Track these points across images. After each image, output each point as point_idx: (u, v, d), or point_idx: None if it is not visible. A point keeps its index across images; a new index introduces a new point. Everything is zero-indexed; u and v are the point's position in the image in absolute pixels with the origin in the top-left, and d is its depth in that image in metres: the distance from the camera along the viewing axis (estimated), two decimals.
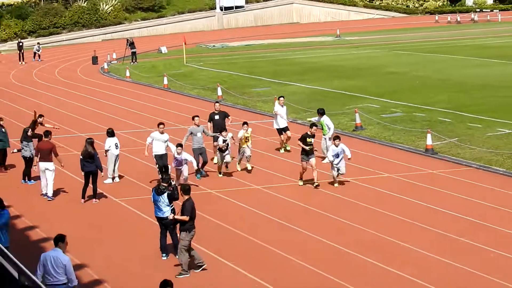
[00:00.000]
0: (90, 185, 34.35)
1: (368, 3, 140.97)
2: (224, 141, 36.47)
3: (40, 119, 40.58)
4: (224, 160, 36.84)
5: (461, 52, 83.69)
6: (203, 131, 37.15)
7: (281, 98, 42.70)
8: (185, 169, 34.51)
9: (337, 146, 34.50)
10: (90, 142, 34.26)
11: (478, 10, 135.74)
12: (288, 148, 42.14)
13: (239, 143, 37.64)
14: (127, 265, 27.26)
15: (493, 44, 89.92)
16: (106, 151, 36.54)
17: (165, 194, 26.35)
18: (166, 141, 36.27)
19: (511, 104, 52.90)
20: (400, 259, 26.86)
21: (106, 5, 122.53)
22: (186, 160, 34.44)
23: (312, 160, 34.92)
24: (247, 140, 37.41)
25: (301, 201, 33.39)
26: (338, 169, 34.63)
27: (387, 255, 27.01)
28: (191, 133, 37.00)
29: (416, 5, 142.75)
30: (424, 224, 30.03)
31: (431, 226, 29.84)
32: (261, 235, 29.24)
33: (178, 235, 26.05)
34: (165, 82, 69.33)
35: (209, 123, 40.10)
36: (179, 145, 34.64)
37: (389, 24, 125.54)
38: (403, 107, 53.91)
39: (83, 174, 34.35)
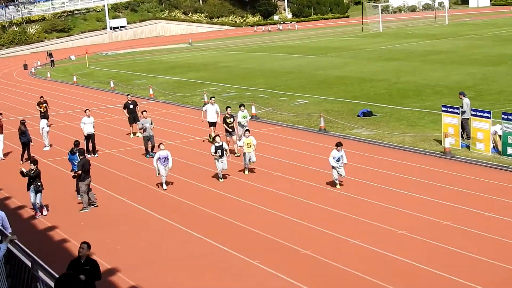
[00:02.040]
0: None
1: (209, 20, 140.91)
2: (218, 147, 28.25)
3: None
4: (222, 167, 28.58)
5: (272, 50, 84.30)
6: (151, 122, 33.64)
7: (212, 99, 36.91)
8: (167, 166, 27.80)
9: (338, 152, 26.44)
10: (22, 122, 34.35)
11: (282, 22, 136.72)
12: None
13: (243, 149, 29.29)
14: (56, 201, 27.21)
15: (292, 44, 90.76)
16: (42, 128, 36.37)
17: (77, 154, 26.57)
18: (92, 122, 34.94)
19: (303, 84, 53.77)
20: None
21: (31, 29, 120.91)
22: (169, 156, 27.83)
23: (234, 137, 32.94)
24: (249, 146, 28.88)
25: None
26: (338, 172, 26.59)
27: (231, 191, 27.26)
28: (142, 124, 33.75)
29: (241, 20, 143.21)
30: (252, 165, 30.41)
31: (259, 167, 30.22)
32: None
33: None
34: (75, 79, 68.24)
35: (124, 110, 38.82)
36: (161, 144, 28.73)
37: (224, 34, 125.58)
38: (235, 89, 54.08)
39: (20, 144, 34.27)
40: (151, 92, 54.34)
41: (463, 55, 64.05)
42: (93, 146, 34.67)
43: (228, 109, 33.82)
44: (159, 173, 27.69)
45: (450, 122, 31.48)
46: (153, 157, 30.35)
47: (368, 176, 27.72)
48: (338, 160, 26.39)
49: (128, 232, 23.42)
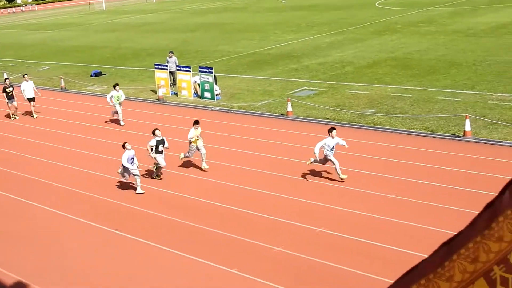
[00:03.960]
0: None
1: None
2: (159, 141, 19.07)
3: None
4: (159, 164, 19.32)
5: (18, 28, 78.73)
6: None
7: (26, 76, 29.89)
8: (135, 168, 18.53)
9: (333, 138, 17.74)
10: None
11: (24, 5, 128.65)
12: (35, 116, 29.28)
13: (190, 142, 19.82)
14: None
15: (34, 22, 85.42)
16: None
17: None
18: None
19: (46, 53, 51.02)
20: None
21: None
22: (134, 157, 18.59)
23: (15, 103, 28.60)
24: (198, 138, 19.78)
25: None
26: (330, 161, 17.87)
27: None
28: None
29: None
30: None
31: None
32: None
33: None
34: None
35: None
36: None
37: None
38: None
39: None
40: None
41: (168, 25, 64.19)
42: None
43: (7, 80, 29.72)
44: (124, 176, 18.75)
45: (161, 76, 31.57)
46: None
47: (101, 122, 27.06)
48: (332, 149, 17.87)
49: None
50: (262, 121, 25.11)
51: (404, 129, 22.06)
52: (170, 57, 32.29)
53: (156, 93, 31.22)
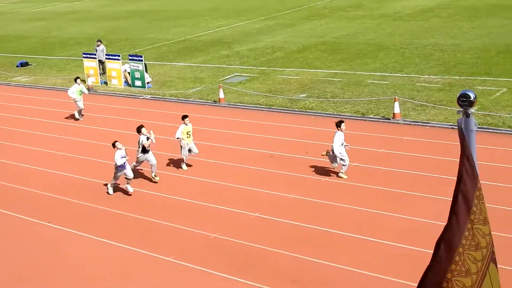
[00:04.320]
0: None
1: None
2: (148, 138, 17.46)
3: None
4: (150, 163, 17.73)
5: None
6: None
7: None
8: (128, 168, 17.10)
9: (342, 132, 16.71)
10: None
11: None
12: None
13: (181, 139, 18.35)
14: None
15: None
16: None
17: None
18: None
19: None
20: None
21: None
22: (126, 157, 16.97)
23: None
24: (188, 135, 18.36)
25: None
26: (341, 159, 16.71)
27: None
28: None
29: None
30: None
31: None
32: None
33: None
34: None
35: None
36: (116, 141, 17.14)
37: None
38: None
39: None
40: None
41: (96, 13, 62.77)
42: None
43: None
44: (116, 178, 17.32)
45: (90, 65, 30.91)
46: None
47: (33, 114, 26.26)
48: (342, 144, 16.73)
49: None
50: (194, 108, 24.91)
51: (335, 113, 22.33)
52: (98, 45, 31.61)
53: (85, 82, 30.52)
